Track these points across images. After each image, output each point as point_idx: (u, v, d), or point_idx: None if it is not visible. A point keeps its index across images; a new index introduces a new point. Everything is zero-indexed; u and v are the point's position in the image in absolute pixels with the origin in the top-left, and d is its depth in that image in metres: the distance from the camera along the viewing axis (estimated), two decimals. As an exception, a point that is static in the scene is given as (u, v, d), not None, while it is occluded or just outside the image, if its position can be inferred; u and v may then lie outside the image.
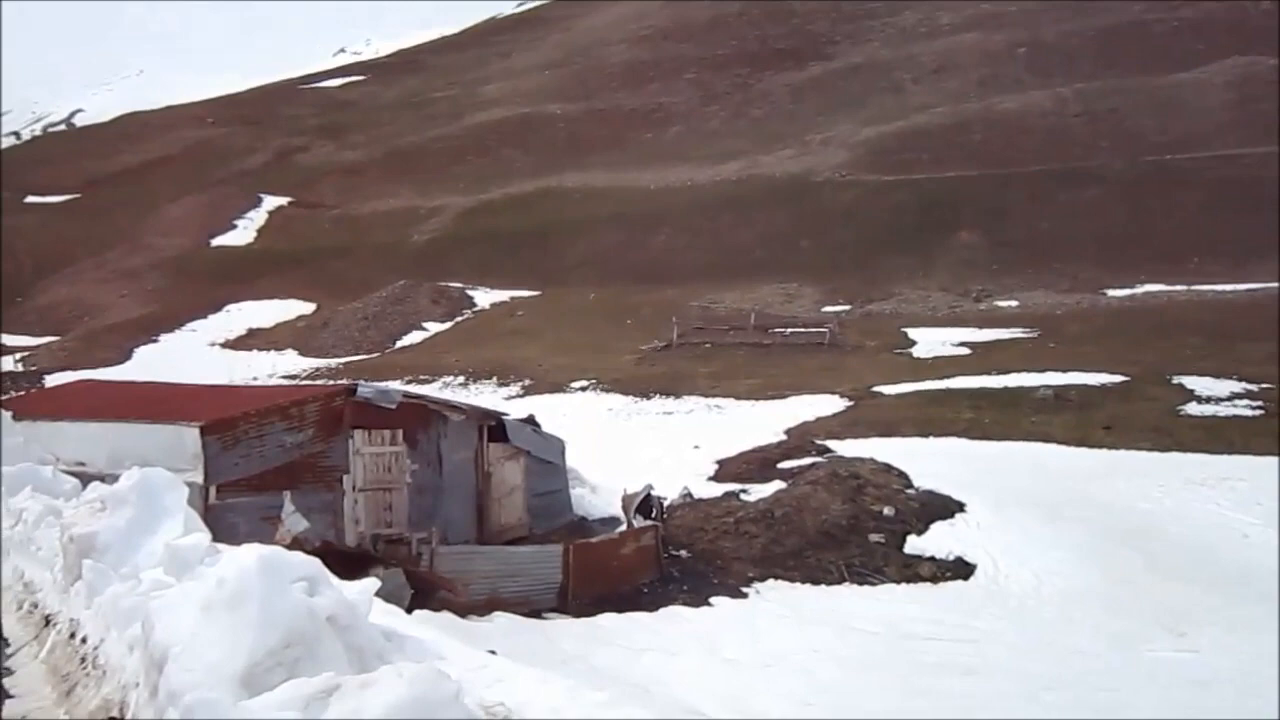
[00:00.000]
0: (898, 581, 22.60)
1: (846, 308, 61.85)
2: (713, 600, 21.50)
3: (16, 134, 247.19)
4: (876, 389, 40.62)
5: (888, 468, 27.63)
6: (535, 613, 19.50)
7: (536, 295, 73.33)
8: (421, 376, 50.14)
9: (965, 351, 47.55)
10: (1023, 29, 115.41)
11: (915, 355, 48.35)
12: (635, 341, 55.99)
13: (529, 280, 76.33)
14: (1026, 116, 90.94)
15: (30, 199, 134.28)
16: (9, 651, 7.51)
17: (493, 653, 9.53)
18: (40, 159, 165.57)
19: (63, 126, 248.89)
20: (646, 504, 24.23)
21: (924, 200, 76.77)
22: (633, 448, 35.29)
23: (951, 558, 23.24)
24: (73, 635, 6.89)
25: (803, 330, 53.97)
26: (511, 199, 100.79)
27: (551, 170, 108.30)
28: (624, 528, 23.76)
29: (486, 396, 43.98)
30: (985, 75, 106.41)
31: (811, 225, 77.43)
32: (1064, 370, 39.95)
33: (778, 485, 27.77)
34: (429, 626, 10.34)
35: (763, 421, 37.05)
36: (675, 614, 20.54)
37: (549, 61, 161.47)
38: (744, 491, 27.90)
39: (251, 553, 4.86)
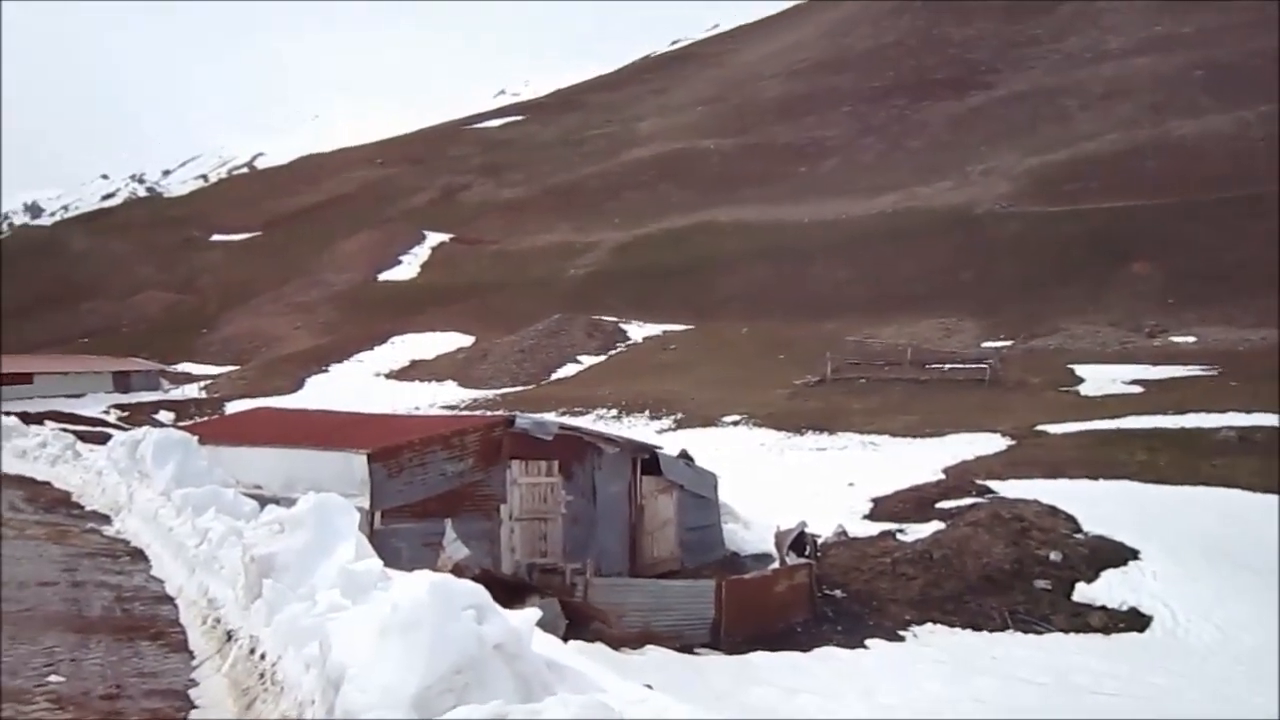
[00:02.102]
0: (1066, 631, 21.53)
1: (1008, 343, 59.80)
2: (868, 642, 20.95)
3: (205, 177, 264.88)
4: (1041, 428, 39.02)
5: (1054, 510, 26.43)
6: (687, 647, 19.38)
7: (689, 329, 73.62)
8: (575, 409, 50.93)
9: (1138, 389, 45.23)
10: (1199, 50, 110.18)
11: (1083, 393, 46.26)
12: (788, 376, 55.49)
13: (682, 314, 76.73)
14: (1205, 142, 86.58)
15: (216, 237, 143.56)
16: (194, 664, 7.89)
17: (649, 687, 9.54)
18: (225, 200, 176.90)
19: (245, 169, 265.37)
20: (800, 541, 23.87)
21: (1093, 231, 73.78)
22: (785, 484, 34.84)
23: (1125, 608, 22.00)
24: (252, 651, 7.17)
25: (962, 366, 52.43)
26: (666, 234, 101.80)
27: (706, 205, 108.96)
28: (777, 565, 23.44)
29: (639, 429, 44.29)
30: (1159, 99, 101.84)
31: (972, 258, 75.42)
32: (1248, 410, 37.41)
33: (936, 526, 26.96)
34: (584, 657, 10.44)
35: (920, 460, 36.04)
36: (830, 655, 20.09)
37: (704, 97, 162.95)
38: (901, 531, 27.19)
39: (423, 580, 4.99)
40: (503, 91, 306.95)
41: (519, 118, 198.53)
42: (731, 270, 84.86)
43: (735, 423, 46.10)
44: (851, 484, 33.44)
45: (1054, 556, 23.82)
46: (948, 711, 16.81)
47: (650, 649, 18.26)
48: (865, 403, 47.65)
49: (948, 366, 52.83)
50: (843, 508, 30.20)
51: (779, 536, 24.31)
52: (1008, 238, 78.15)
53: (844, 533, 27.28)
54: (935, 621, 21.97)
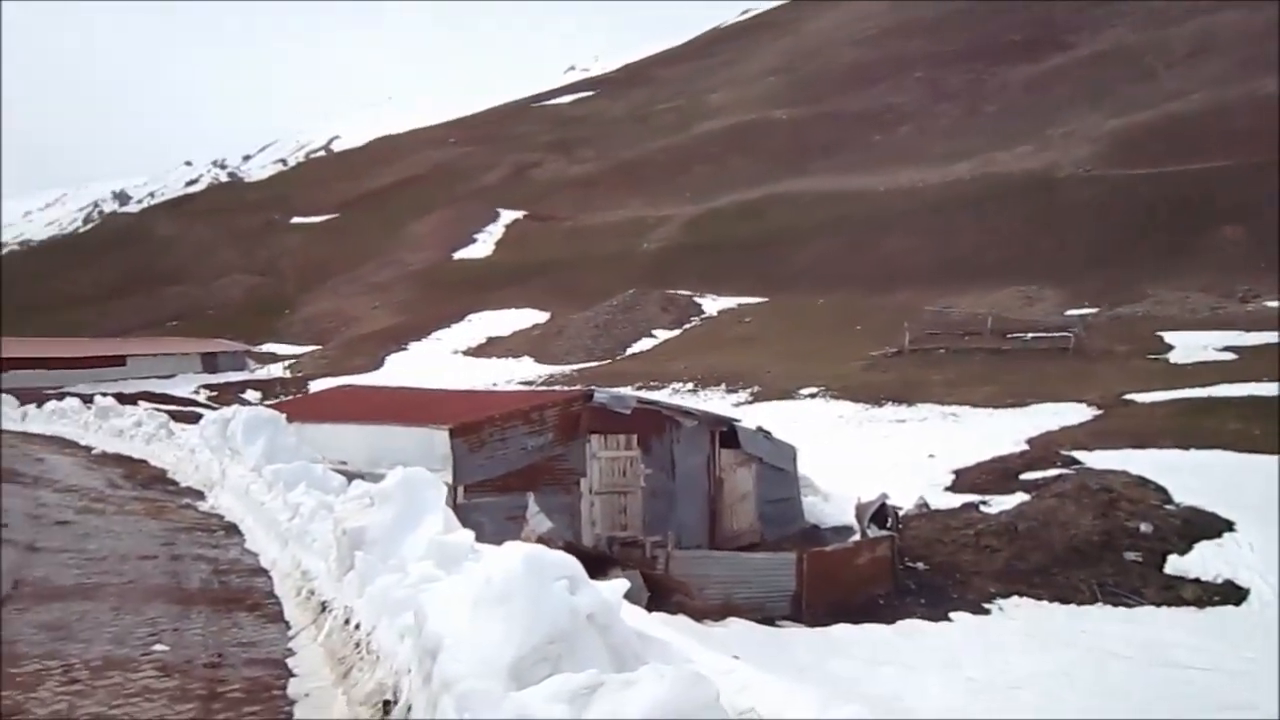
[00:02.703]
0: (1157, 604, 21.01)
1: (1093, 311, 58.27)
2: (952, 615, 20.71)
3: (283, 161, 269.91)
4: (1128, 397, 38.02)
5: (1143, 481, 25.77)
6: (768, 619, 19.37)
7: (764, 302, 73.13)
8: (651, 383, 51.00)
9: (1230, 357, 43.77)
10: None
11: (1172, 361, 44.94)
12: (865, 347, 54.84)
13: (756, 287, 76.24)
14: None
15: (295, 220, 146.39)
16: (290, 634, 8.08)
17: (736, 658, 9.53)
18: (304, 183, 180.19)
19: (322, 153, 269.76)
20: (881, 513, 23.64)
21: (1179, 194, 71.41)
22: (864, 456, 34.51)
23: (1219, 580, 21.38)
24: (347, 622, 7.31)
25: (1045, 335, 51.23)
26: (738, 206, 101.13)
27: (778, 176, 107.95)
28: (858, 537, 23.26)
29: (715, 403, 44.20)
30: (1248, 56, 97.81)
31: (1053, 224, 73.57)
32: (1348, 377, 36.06)
33: (1020, 497, 26.50)
34: (669, 629, 10.46)
35: (1002, 430, 35.40)
36: (913, 628, 19.91)
37: (774, 67, 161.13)
38: (984, 503, 26.78)
39: (516, 551, 5.03)
40: (572, 68, 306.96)
41: (589, 94, 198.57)
42: (805, 242, 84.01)
43: (812, 395, 45.75)
44: (932, 456, 33.01)
45: (1144, 528, 23.25)
46: (1035, 686, 16.57)
47: (732, 621, 18.28)
48: (945, 373, 46.90)
49: (1030, 336, 51.68)
50: (923, 480, 29.84)
51: (859, 509, 24.12)
52: (1090, 202, 76.04)
53: (925, 505, 26.98)
54: (1021, 594, 21.63)
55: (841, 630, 19.27)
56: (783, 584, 20.10)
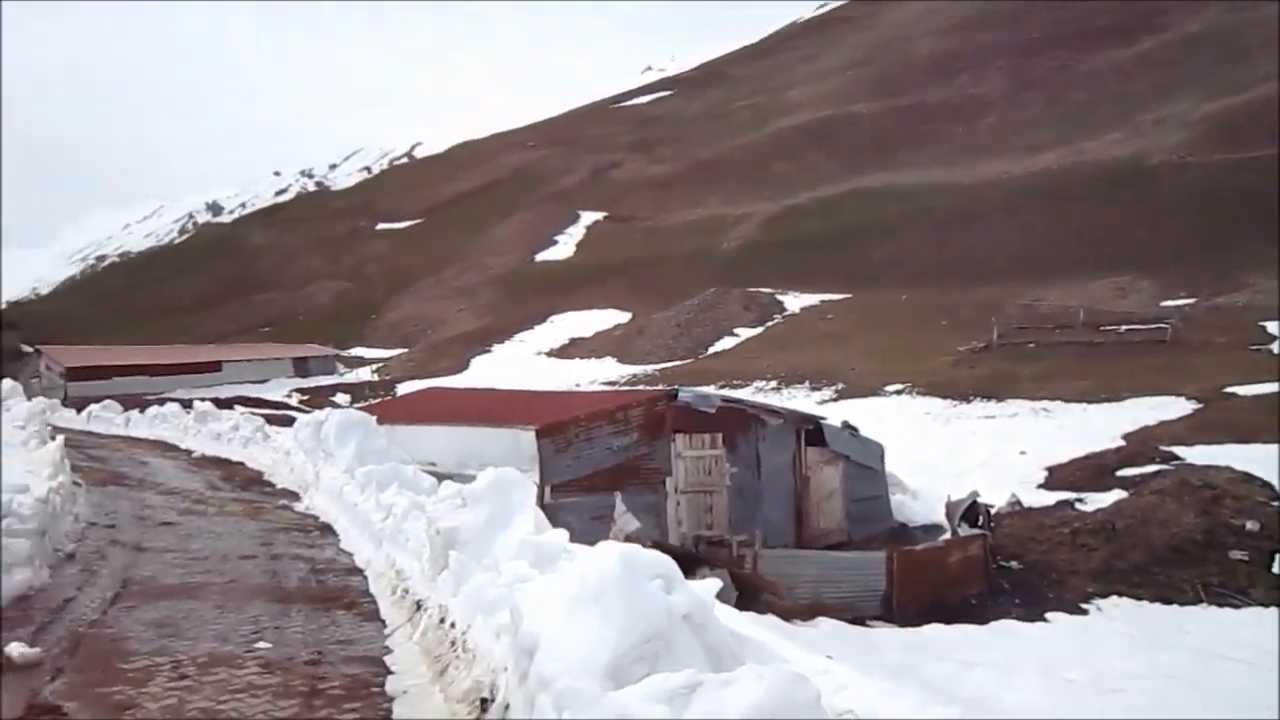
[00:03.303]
0: (1265, 604, 20.23)
1: (1190, 301, 56.37)
2: (1048, 616, 20.24)
3: (368, 169, 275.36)
4: (1230, 390, 36.69)
5: (1248, 477, 24.80)
6: (859, 620, 19.14)
7: (846, 298, 72.29)
8: (734, 381, 50.75)
9: (1339, 346, 42.04)
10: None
11: (1276, 351, 43.28)
12: (952, 343, 53.88)
13: (838, 283, 75.39)
14: (1407, 77, 79.30)
15: (380, 226, 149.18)
16: (387, 632, 8.22)
17: (829, 658, 9.43)
18: (387, 190, 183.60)
19: (405, 159, 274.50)
20: (972, 511, 23.22)
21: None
22: (953, 453, 33.91)
23: (1333, 579, 20.52)
24: (442, 620, 7.40)
25: (1139, 327, 49.72)
26: (818, 202, 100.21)
27: (858, 171, 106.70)
28: (949, 536, 22.86)
29: (799, 401, 43.82)
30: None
31: (1145, 213, 71.36)
32: None
33: (1118, 495, 25.78)
34: (759, 629, 10.39)
35: (1097, 426, 34.46)
36: (1007, 628, 19.50)
37: (852, 61, 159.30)
38: (1079, 500, 26.11)
39: (611, 550, 5.03)
40: (649, 68, 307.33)
41: (666, 93, 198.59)
42: (888, 237, 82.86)
43: (898, 392, 45.11)
44: (1024, 452, 32.32)
45: (1250, 526, 22.40)
46: (1136, 688, 16.09)
47: (821, 621, 18.10)
48: (1035, 368, 45.82)
49: (1124, 328, 50.21)
50: (1015, 477, 29.23)
51: (950, 507, 23.73)
52: (1184, 189, 73.62)
53: (1018, 503, 26.40)
54: (1120, 594, 21.04)
55: (934, 630, 18.96)
56: (872, 583, 19.86)
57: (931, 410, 41.67)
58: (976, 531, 22.32)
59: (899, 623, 19.32)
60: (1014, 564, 22.60)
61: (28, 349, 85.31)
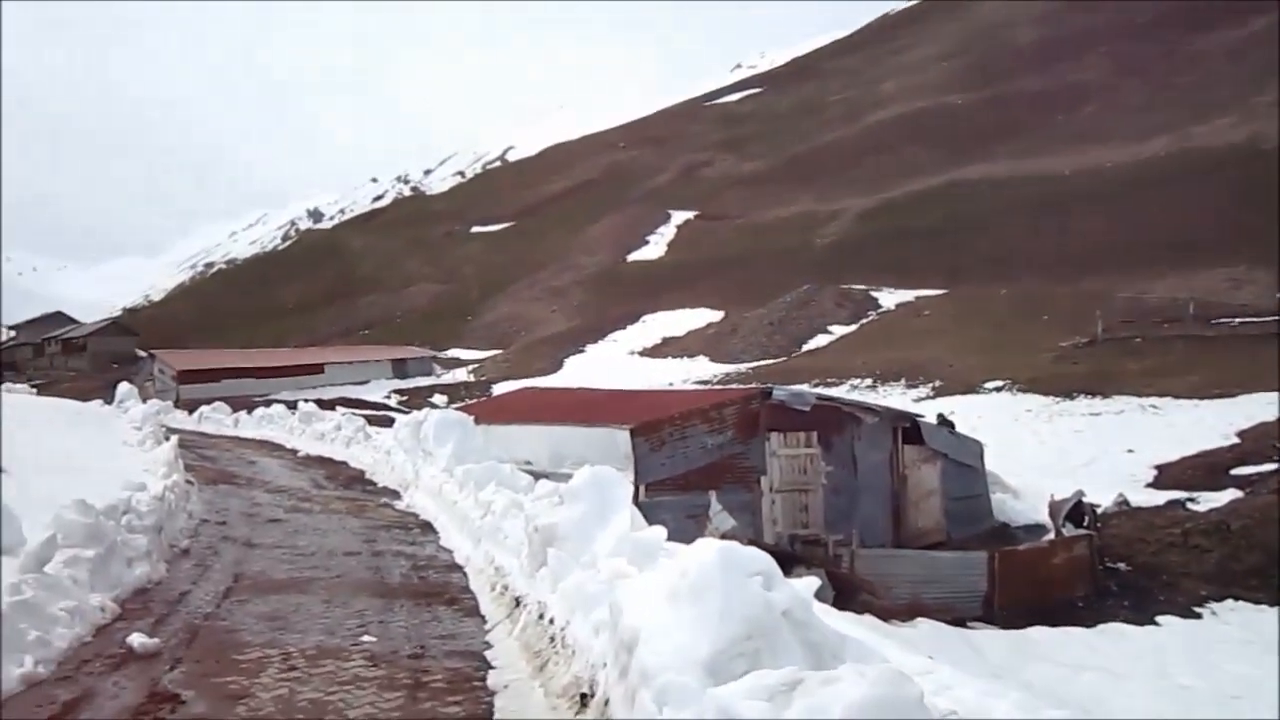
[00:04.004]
0: (1394, 609, 19.26)
1: (1309, 292, 53.87)
2: (1159, 619, 19.55)
3: (461, 173, 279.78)
4: (1353, 384, 35.00)
5: (1373, 475, 23.69)
6: (959, 621, 18.77)
7: (943, 293, 70.88)
8: (829, 379, 50.21)
9: None
10: None
11: (1403, 343, 41.12)
12: (1053, 338, 52.41)
13: (935, 278, 73.96)
14: None
15: (475, 229, 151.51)
16: (487, 627, 8.35)
17: (930, 658, 9.27)
18: (481, 193, 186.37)
19: (498, 163, 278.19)
20: (1077, 511, 22.57)
21: None
22: (1057, 451, 33.05)
23: None
24: (541, 616, 7.48)
25: (1255, 319, 47.65)
26: (913, 196, 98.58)
27: (954, 164, 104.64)
28: (1052, 536, 22.27)
29: (896, 398, 43.14)
30: None
31: (1260, 200, 68.35)
32: None
33: (1233, 494, 24.83)
34: (858, 628, 10.27)
35: (1209, 423, 33.18)
36: (1116, 631, 18.90)
37: (947, 51, 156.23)
38: (1191, 500, 25.21)
39: (711, 547, 5.03)
40: (739, 65, 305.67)
41: (757, 90, 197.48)
42: (985, 230, 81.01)
43: (998, 389, 44.09)
44: (1131, 450, 31.32)
45: (1376, 526, 21.34)
46: (1255, 694, 15.44)
47: (921, 622, 17.81)
48: (1142, 363, 44.31)
49: (1238, 321, 48.21)
50: (1122, 476, 28.36)
51: (1053, 506, 23.12)
52: (1303, 175, 70.36)
53: (1125, 502, 25.59)
54: (1237, 598, 20.22)
55: (1038, 633, 18.49)
56: (973, 584, 19.46)
57: (1033, 407, 40.63)
58: (1082, 532, 21.70)
59: (1001, 624, 18.89)
60: (1122, 565, 21.90)
61: (142, 353, 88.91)
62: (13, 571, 7.17)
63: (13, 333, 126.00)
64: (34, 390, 45.93)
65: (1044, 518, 24.20)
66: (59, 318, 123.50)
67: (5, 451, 12.76)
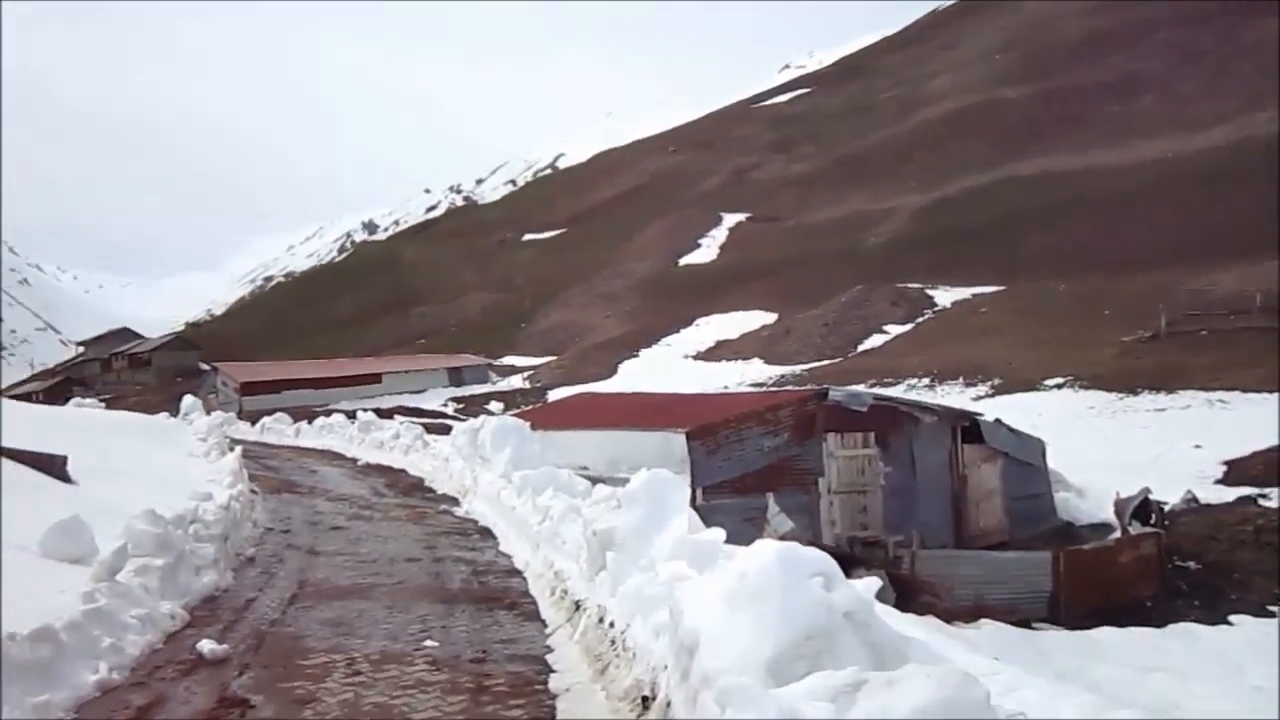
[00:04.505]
0: None
1: (1381, 281, 52.27)
2: (1232, 619, 19.08)
3: (513, 182, 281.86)
4: None
5: None
6: (1023, 622, 18.48)
7: (1000, 291, 69.95)
8: (885, 379, 49.77)
9: None
10: None
11: None
12: (1115, 333, 51.47)
13: (991, 275, 73.02)
14: None
15: (527, 237, 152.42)
16: (547, 632, 8.38)
17: (995, 659, 9.13)
18: (533, 201, 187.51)
19: (549, 171, 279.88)
20: (1144, 509, 22.15)
21: None
22: (1121, 448, 32.43)
23: None
24: (601, 620, 7.50)
25: (1325, 309, 46.40)
26: (967, 193, 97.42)
27: (1008, 159, 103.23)
28: (1119, 535, 21.85)
29: (954, 397, 42.66)
30: None
31: (1329, 189, 66.53)
32: None
33: (1307, 489, 24.15)
34: (920, 630, 10.15)
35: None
36: (1186, 631, 18.48)
37: (998, 45, 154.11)
38: (1262, 496, 24.59)
39: (770, 548, 5.00)
40: (787, 66, 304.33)
41: (805, 90, 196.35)
42: (1042, 225, 79.78)
43: (1059, 386, 43.41)
44: (1198, 446, 30.66)
45: None
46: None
47: (984, 623, 17.57)
48: (1208, 357, 43.34)
49: (1307, 311, 46.95)
50: (1190, 472, 27.73)
51: (1119, 504, 22.70)
52: (1374, 161, 68.39)
53: (1194, 499, 25.02)
54: (1313, 596, 19.68)
55: (1105, 633, 18.14)
56: (1037, 584, 19.15)
57: (1096, 404, 39.96)
58: (1149, 530, 21.28)
59: (1066, 625, 18.57)
60: (1191, 564, 21.44)
61: (205, 367, 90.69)
62: (86, 580, 7.35)
63: (81, 349, 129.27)
64: (103, 404, 47.03)
65: (1110, 516, 23.75)
66: (125, 333, 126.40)
67: (78, 464, 13.09)
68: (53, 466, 12.69)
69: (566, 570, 9.62)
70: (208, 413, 35.91)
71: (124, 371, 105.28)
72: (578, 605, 8.49)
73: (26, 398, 73.43)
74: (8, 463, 11.83)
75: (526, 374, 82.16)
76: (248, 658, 7.16)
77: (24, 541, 8.52)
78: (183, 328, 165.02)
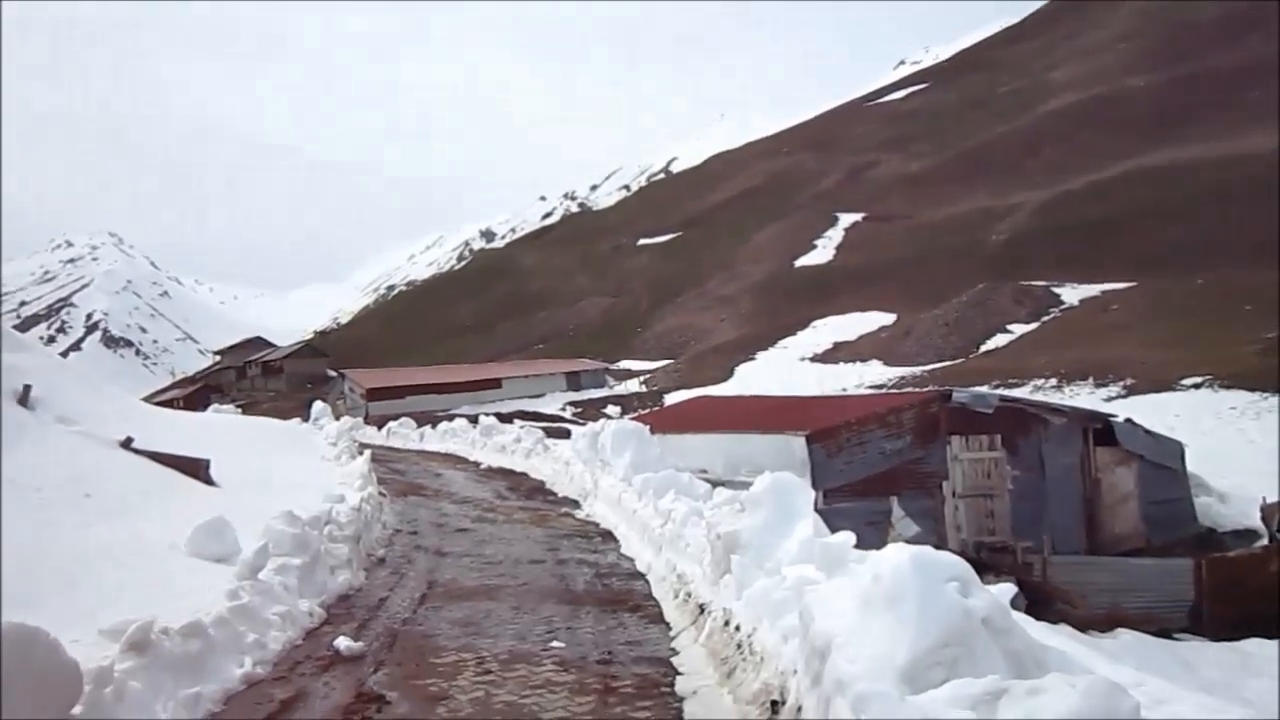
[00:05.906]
0: None
1: None
2: (1396, 631, 17.91)
3: (627, 187, 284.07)
4: None
5: None
6: (1164, 632, 17.71)
7: (1131, 286, 67.30)
8: (1009, 380, 48.40)
9: None
10: None
11: None
12: (1257, 329, 48.95)
13: (1121, 271, 70.32)
14: None
15: (642, 241, 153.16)
16: (672, 634, 8.38)
17: (1137, 670, 8.76)
18: (647, 206, 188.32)
19: (662, 175, 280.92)
20: (1293, 514, 20.99)
21: None
22: (1266, 451, 30.78)
23: None
24: (726, 623, 7.45)
25: None
26: (1094, 186, 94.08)
27: (1137, 150, 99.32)
28: (1266, 541, 20.76)
29: (1083, 398, 41.26)
30: None
31: None
32: None
33: None
34: (1056, 638, 9.80)
35: None
36: (1345, 644, 17.42)
37: (1124, 32, 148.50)
38: None
39: (904, 551, 4.89)
40: (902, 62, 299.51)
41: (921, 86, 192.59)
42: (1175, 218, 76.46)
43: (1196, 385, 41.52)
44: (1353, 447, 28.90)
45: None
46: None
47: (1121, 632, 16.91)
48: (1361, 353, 40.97)
49: None
50: (1344, 476, 26.13)
51: (1266, 510, 21.59)
52: None
53: (1348, 504, 23.60)
54: None
55: (1255, 645, 17.23)
56: (1178, 592, 18.34)
57: (1237, 404, 38.10)
58: (1300, 536, 20.17)
59: (1211, 636, 17.72)
60: (1347, 572, 20.20)
61: (333, 373, 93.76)
62: (230, 578, 7.66)
63: (218, 357, 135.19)
64: (239, 410, 49.04)
65: (1256, 522, 22.61)
66: (258, 342, 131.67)
67: (219, 467, 13.67)
68: (196, 470, 13.30)
69: (690, 573, 9.60)
70: (336, 418, 37.03)
71: (258, 378, 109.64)
72: (702, 608, 8.46)
73: (169, 404, 77.05)
74: (157, 466, 12.43)
75: (643, 378, 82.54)
76: (382, 655, 7.34)
77: (173, 541, 8.94)
78: (311, 336, 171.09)
